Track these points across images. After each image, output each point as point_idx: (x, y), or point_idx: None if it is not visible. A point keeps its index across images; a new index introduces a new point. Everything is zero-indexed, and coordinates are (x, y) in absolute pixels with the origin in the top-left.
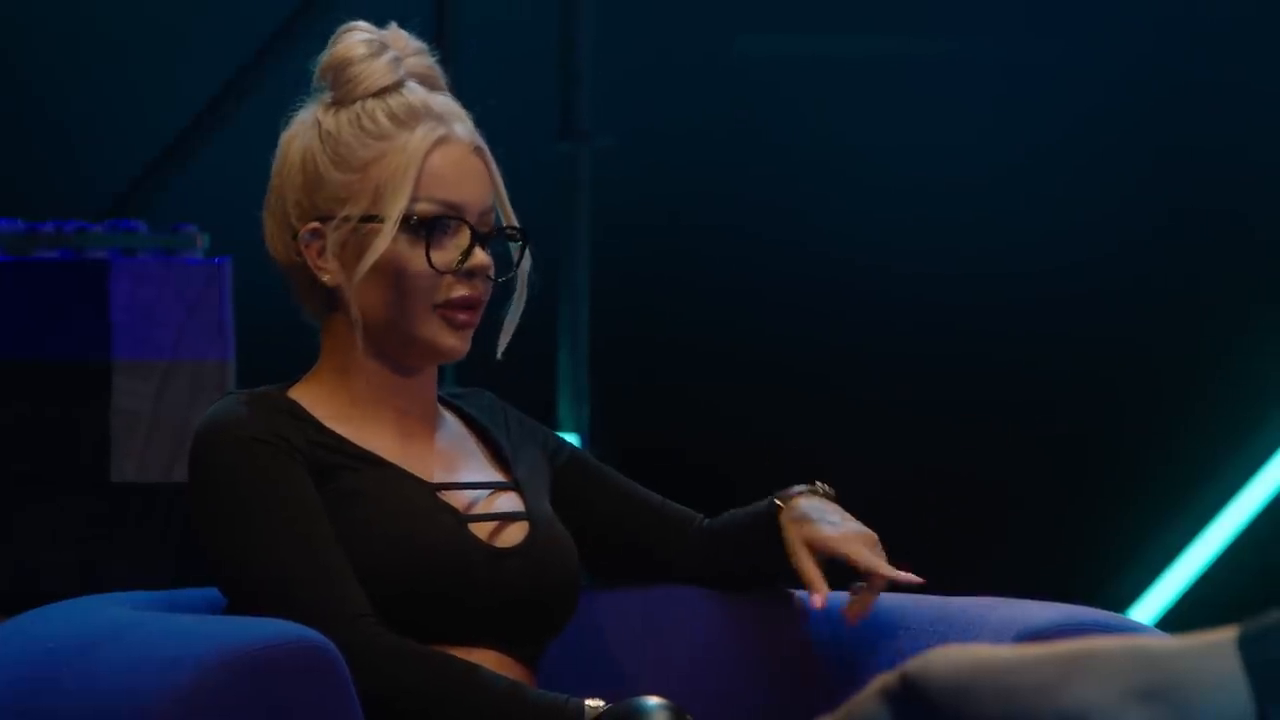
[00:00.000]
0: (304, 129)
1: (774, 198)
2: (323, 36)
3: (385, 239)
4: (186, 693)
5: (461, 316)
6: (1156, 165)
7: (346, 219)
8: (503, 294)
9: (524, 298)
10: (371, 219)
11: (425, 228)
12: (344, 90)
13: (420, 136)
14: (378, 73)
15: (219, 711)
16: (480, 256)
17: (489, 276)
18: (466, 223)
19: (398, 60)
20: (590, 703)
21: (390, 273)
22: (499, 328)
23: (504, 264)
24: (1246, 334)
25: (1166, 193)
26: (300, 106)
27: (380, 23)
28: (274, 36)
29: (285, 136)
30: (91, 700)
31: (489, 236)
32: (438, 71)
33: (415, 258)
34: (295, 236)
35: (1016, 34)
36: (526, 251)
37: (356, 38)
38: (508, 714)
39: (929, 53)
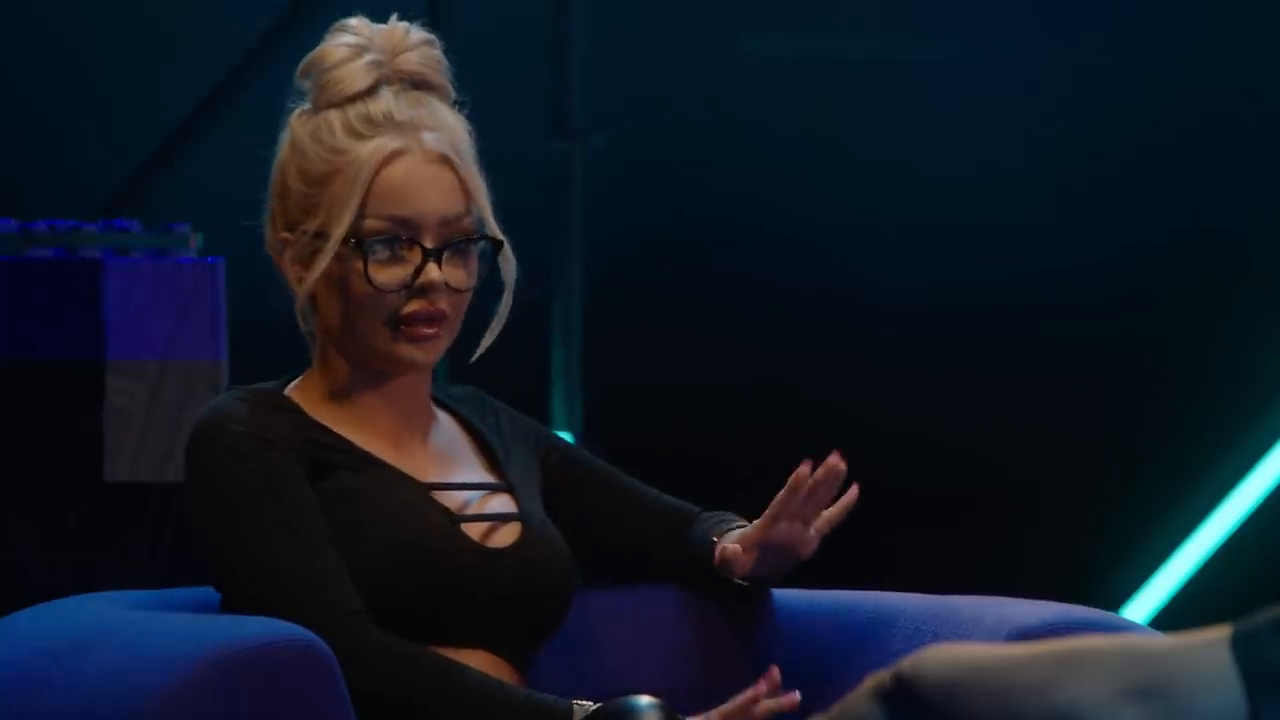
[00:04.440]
0: (289, 131)
1: (769, 197)
2: (316, 35)
3: (325, 258)
4: (178, 691)
5: (423, 331)
6: (1156, 167)
7: (304, 233)
8: (491, 293)
9: (509, 305)
10: (321, 235)
11: (363, 248)
12: (316, 95)
13: (370, 151)
14: (349, 78)
15: (211, 710)
16: (433, 273)
17: (453, 289)
18: (418, 241)
19: (377, 63)
20: (579, 703)
21: (340, 289)
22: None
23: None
24: (1242, 333)
25: (1165, 193)
26: (294, 105)
27: (375, 19)
28: (267, 35)
29: (281, 137)
30: (83, 699)
31: (465, 244)
32: (434, 69)
33: (359, 277)
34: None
35: (1018, 37)
36: (513, 261)
37: (340, 39)
38: (496, 714)
39: (928, 55)
